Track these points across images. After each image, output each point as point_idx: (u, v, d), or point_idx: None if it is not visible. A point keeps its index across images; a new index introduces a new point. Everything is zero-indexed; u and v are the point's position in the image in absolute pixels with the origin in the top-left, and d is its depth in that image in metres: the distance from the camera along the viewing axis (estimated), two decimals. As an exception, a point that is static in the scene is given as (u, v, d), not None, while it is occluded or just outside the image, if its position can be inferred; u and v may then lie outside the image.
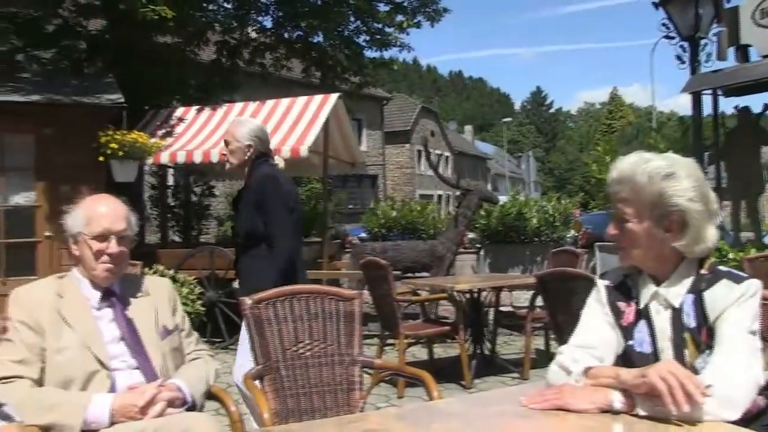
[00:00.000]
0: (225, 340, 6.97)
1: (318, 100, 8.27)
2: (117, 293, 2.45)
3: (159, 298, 2.54)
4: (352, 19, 12.05)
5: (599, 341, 1.87)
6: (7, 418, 1.74)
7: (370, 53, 12.54)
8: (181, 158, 8.05)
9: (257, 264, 3.59)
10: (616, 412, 1.62)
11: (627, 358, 1.84)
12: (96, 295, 2.42)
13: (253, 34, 12.43)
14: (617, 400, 1.63)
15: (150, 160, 7.63)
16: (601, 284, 1.98)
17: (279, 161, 3.91)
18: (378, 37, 12.13)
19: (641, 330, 1.85)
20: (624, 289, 1.93)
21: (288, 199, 3.64)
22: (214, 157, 7.78)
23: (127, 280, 2.54)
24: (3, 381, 2.15)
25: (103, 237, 2.39)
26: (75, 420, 2.09)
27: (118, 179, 7.03)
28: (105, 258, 2.38)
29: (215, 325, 7.12)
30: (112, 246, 2.39)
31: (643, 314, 1.86)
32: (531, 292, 5.82)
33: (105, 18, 10.84)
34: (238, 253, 3.83)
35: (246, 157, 3.69)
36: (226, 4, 12.04)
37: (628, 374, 1.64)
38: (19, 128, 7.04)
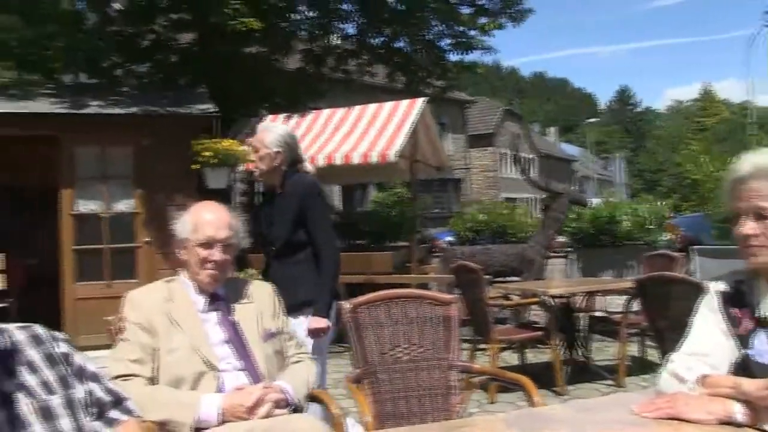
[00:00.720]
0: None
1: (405, 105, 8.31)
2: (222, 297, 2.52)
3: (262, 303, 2.60)
4: (434, 22, 12.04)
5: (713, 349, 1.79)
6: (129, 412, 1.83)
7: (453, 57, 12.50)
8: (271, 165, 8.18)
9: (300, 272, 3.50)
10: (737, 425, 1.54)
11: (745, 368, 1.73)
12: (202, 299, 2.50)
13: (337, 42, 12.59)
14: (739, 411, 1.55)
15: (241, 167, 7.83)
16: (714, 290, 1.88)
17: (311, 168, 3.82)
18: (461, 40, 12.08)
19: (761, 339, 1.74)
20: (739, 296, 1.82)
21: (330, 206, 3.67)
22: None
23: (232, 284, 2.61)
24: (121, 378, 2.24)
25: (207, 244, 2.46)
26: (187, 417, 2.17)
27: (211, 186, 7.24)
28: (209, 265, 2.46)
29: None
30: (216, 253, 2.45)
31: (763, 323, 1.76)
32: (625, 297, 5.67)
33: (195, 32, 11.23)
34: (270, 261, 3.67)
35: (275, 164, 3.55)
36: (309, 13, 12.25)
37: (750, 385, 1.56)
38: (119, 139, 7.36)
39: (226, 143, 7.11)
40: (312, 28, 12.01)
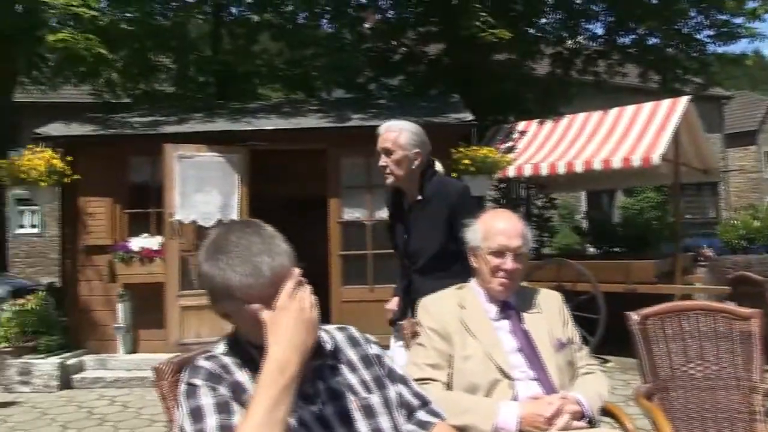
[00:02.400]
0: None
1: (666, 105, 7.82)
2: (513, 305, 2.50)
3: (551, 311, 2.54)
4: (692, 13, 11.25)
5: None
6: (437, 415, 1.86)
7: (713, 49, 11.60)
8: (527, 171, 8.18)
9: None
10: None
11: None
12: (494, 306, 2.49)
13: (585, 43, 12.27)
14: None
15: (496, 175, 7.87)
16: None
17: (440, 167, 3.42)
18: (724, 30, 11.16)
19: None
20: None
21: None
22: (561, 169, 7.83)
23: (521, 292, 2.57)
24: (420, 382, 2.31)
25: (499, 253, 2.44)
26: (487, 424, 2.17)
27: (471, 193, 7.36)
28: (501, 273, 2.44)
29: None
30: (508, 262, 2.43)
31: None
32: None
33: (443, 42, 11.54)
34: (413, 276, 3.26)
35: (414, 167, 3.18)
36: (555, 16, 12.06)
37: None
38: (380, 149, 7.72)
39: (485, 151, 7.18)
40: (559, 31, 11.82)
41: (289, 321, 1.46)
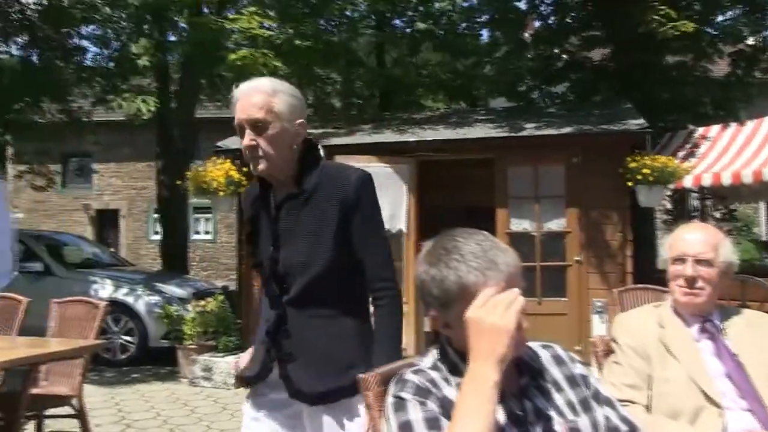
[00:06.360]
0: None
1: None
2: (716, 326, 2.34)
3: (763, 335, 2.34)
4: None
5: None
6: None
7: None
8: (706, 181, 7.73)
9: (348, 326, 2.28)
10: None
11: None
12: (695, 326, 2.34)
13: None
14: None
15: (672, 185, 7.45)
16: None
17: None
18: None
19: None
20: None
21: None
22: (747, 178, 7.28)
23: (725, 311, 2.40)
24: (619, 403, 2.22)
25: (679, 260, 2.33)
26: None
27: (644, 205, 7.02)
28: (680, 281, 2.32)
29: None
30: (688, 269, 2.30)
31: None
32: None
33: (609, 47, 11.15)
34: (285, 310, 2.25)
35: (294, 146, 2.21)
36: (735, 11, 11.29)
37: None
38: (551, 159, 7.57)
39: (663, 159, 6.82)
40: (739, 28, 11.06)
41: (488, 327, 1.42)
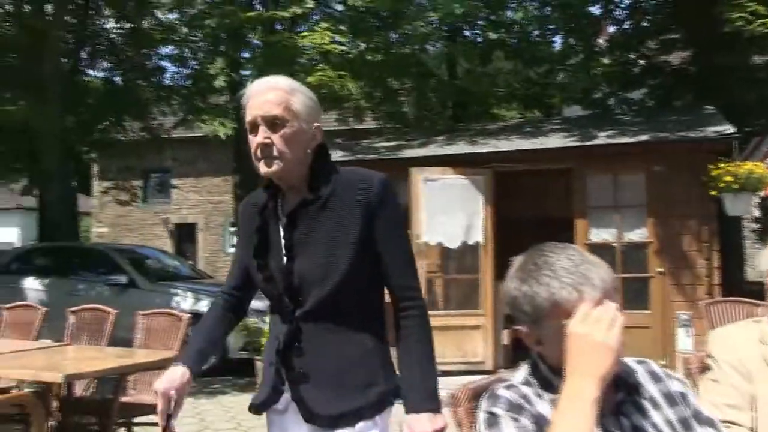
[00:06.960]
0: None
1: None
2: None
3: None
4: None
5: None
6: None
7: None
8: (798, 186, 7.34)
9: (366, 343, 2.15)
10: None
11: None
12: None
13: None
14: None
15: (761, 192, 7.15)
16: None
17: None
18: None
19: None
20: None
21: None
22: None
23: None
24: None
25: None
26: None
27: (731, 213, 6.77)
28: None
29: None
30: None
31: None
32: None
33: (689, 49, 10.81)
34: (297, 326, 2.08)
35: (309, 150, 2.07)
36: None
37: None
38: (630, 167, 7.38)
39: (749, 166, 6.55)
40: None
41: (592, 343, 1.37)
